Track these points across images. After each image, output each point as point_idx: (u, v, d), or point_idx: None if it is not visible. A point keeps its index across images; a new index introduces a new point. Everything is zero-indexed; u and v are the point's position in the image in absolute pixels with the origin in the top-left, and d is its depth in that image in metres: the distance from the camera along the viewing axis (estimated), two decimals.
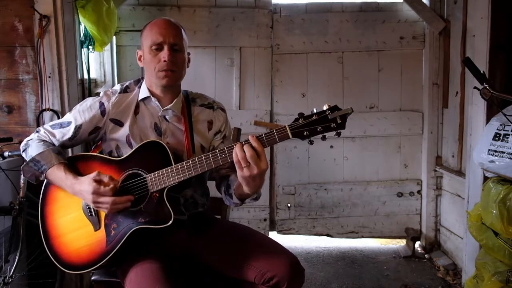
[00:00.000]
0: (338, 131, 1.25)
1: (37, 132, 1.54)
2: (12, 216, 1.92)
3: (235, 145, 1.27)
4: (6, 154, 2.00)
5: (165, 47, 1.45)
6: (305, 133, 1.24)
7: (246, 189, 1.33)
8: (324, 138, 1.26)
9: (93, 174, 1.36)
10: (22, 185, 1.94)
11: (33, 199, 1.96)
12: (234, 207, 1.58)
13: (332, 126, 1.23)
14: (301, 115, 1.25)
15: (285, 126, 1.25)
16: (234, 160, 1.26)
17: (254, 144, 1.24)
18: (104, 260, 1.39)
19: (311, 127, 1.24)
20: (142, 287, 1.29)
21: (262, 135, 1.26)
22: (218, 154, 1.32)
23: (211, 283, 1.52)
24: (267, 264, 1.38)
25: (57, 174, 1.42)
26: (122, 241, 1.37)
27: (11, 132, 2.26)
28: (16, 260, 1.93)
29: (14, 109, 2.30)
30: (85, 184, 1.35)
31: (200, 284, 1.51)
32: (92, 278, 1.56)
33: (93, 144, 1.66)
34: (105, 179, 1.35)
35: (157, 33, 1.46)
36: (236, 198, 1.48)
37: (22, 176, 1.95)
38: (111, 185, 1.34)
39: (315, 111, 1.25)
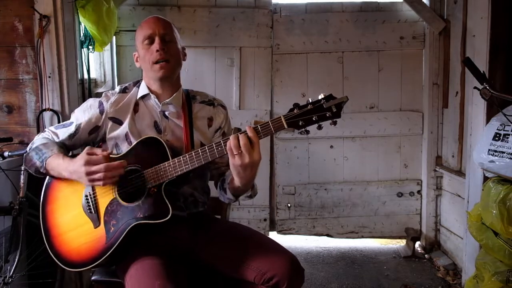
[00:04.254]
0: (334, 119, 1.25)
1: (42, 133, 1.59)
2: (12, 216, 1.92)
3: (230, 137, 1.29)
4: (6, 154, 1.99)
5: (156, 38, 1.49)
6: (300, 123, 1.24)
7: (237, 180, 1.35)
8: (320, 127, 1.26)
9: (86, 148, 1.38)
10: (22, 185, 1.94)
11: (33, 199, 1.96)
12: (229, 203, 1.59)
13: (327, 115, 1.24)
14: (296, 105, 1.26)
15: (280, 116, 1.26)
16: (227, 147, 1.27)
17: (250, 133, 1.26)
18: (104, 257, 1.39)
19: (306, 116, 1.24)
20: (142, 283, 1.29)
21: (257, 125, 1.28)
22: (214, 147, 1.33)
23: (211, 282, 1.53)
24: (267, 264, 1.38)
25: (56, 160, 1.44)
26: (121, 238, 1.37)
27: (11, 132, 2.26)
28: (16, 260, 1.93)
29: (14, 109, 2.30)
30: (78, 159, 1.36)
31: (200, 282, 1.52)
32: (92, 278, 1.55)
33: (94, 146, 1.66)
34: (98, 151, 1.37)
35: (146, 27, 1.50)
36: (230, 193, 1.49)
37: (22, 176, 1.95)
38: (104, 153, 1.35)
39: (310, 100, 1.25)
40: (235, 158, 1.27)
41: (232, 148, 1.26)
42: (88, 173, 1.33)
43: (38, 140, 1.53)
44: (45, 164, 1.44)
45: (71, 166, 1.38)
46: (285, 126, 1.25)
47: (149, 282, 1.27)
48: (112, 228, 1.40)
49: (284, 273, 1.36)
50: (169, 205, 1.35)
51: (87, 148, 1.38)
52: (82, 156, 1.35)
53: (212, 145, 1.33)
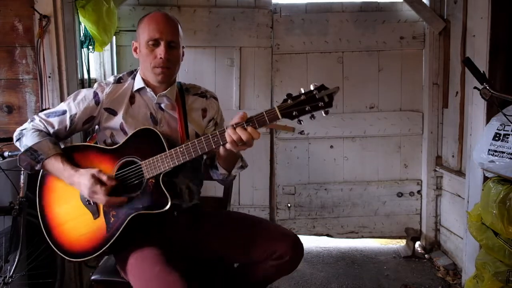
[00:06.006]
0: (326, 109, 1.27)
1: (32, 121, 1.55)
2: (12, 216, 1.92)
3: (226, 128, 1.31)
4: (6, 154, 1.99)
5: (162, 44, 1.48)
6: (294, 113, 1.28)
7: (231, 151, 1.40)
8: (312, 117, 1.28)
9: (94, 171, 1.40)
10: (22, 185, 1.94)
11: (33, 199, 1.96)
12: (223, 180, 1.63)
13: (320, 105, 1.26)
14: (289, 95, 1.29)
15: (275, 107, 1.29)
16: (228, 140, 1.31)
17: (249, 130, 1.29)
18: (106, 246, 1.41)
19: (299, 107, 1.27)
20: (145, 271, 1.31)
21: (252, 117, 1.31)
22: (211, 138, 1.35)
23: (211, 268, 1.57)
24: (273, 243, 1.48)
25: (55, 164, 1.44)
26: (122, 227, 1.40)
27: (11, 132, 2.22)
28: (16, 260, 1.93)
29: (14, 109, 2.30)
30: (84, 178, 1.39)
31: (199, 269, 1.54)
32: (92, 277, 1.56)
33: (88, 136, 1.68)
34: (104, 178, 1.39)
35: (154, 29, 1.48)
36: (222, 168, 1.52)
37: (22, 176, 1.95)
38: (107, 186, 1.39)
39: (302, 91, 1.28)
40: (237, 148, 1.32)
41: (235, 141, 1.30)
42: (91, 197, 1.40)
43: (28, 134, 1.49)
44: (42, 165, 1.46)
45: (75, 178, 1.42)
46: (280, 117, 1.28)
47: (149, 269, 1.31)
48: (113, 219, 1.42)
49: (287, 250, 1.47)
50: (167, 195, 1.37)
51: (96, 171, 1.40)
52: (89, 179, 1.38)
53: (208, 136, 1.35)
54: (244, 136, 1.28)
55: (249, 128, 1.29)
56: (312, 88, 1.27)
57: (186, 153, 1.37)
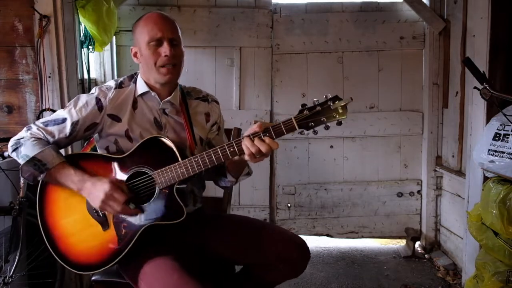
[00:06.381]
0: (340, 120, 1.28)
1: (29, 129, 1.47)
2: (12, 216, 1.92)
3: (243, 138, 1.30)
4: (6, 154, 1.99)
5: (165, 42, 1.46)
6: (310, 124, 1.28)
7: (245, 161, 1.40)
8: (327, 127, 1.29)
9: (113, 178, 1.38)
10: (22, 185, 1.94)
11: (33, 199, 1.95)
12: (231, 186, 1.65)
13: (334, 115, 1.27)
14: (304, 106, 1.29)
15: (291, 118, 1.28)
16: (247, 153, 1.30)
17: (268, 141, 1.28)
18: (119, 258, 1.39)
19: (315, 118, 1.28)
20: (159, 279, 1.29)
21: (269, 127, 1.29)
22: (227, 148, 1.33)
23: (221, 271, 1.57)
24: (280, 248, 1.47)
25: (63, 171, 1.40)
26: (135, 238, 1.37)
27: (11, 132, 2.26)
28: (16, 260, 1.93)
29: (14, 109, 2.30)
30: (102, 183, 1.35)
31: (210, 271, 1.54)
32: (92, 278, 1.55)
33: (84, 141, 1.65)
34: (123, 187, 1.37)
35: (154, 28, 1.46)
36: (231, 175, 1.53)
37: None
38: (126, 196, 1.36)
39: (317, 102, 1.28)
40: (255, 160, 1.32)
41: (254, 153, 1.29)
42: (104, 202, 1.35)
43: (28, 143, 1.42)
44: (46, 174, 1.40)
45: (87, 183, 1.37)
46: (297, 128, 1.28)
47: (166, 277, 1.28)
48: (124, 231, 1.39)
49: (294, 252, 1.47)
50: (182, 206, 1.36)
51: (115, 179, 1.37)
52: (107, 182, 1.35)
53: (224, 146, 1.33)
54: (263, 148, 1.27)
55: (267, 139, 1.27)
56: (326, 98, 1.28)
57: (202, 164, 1.35)
